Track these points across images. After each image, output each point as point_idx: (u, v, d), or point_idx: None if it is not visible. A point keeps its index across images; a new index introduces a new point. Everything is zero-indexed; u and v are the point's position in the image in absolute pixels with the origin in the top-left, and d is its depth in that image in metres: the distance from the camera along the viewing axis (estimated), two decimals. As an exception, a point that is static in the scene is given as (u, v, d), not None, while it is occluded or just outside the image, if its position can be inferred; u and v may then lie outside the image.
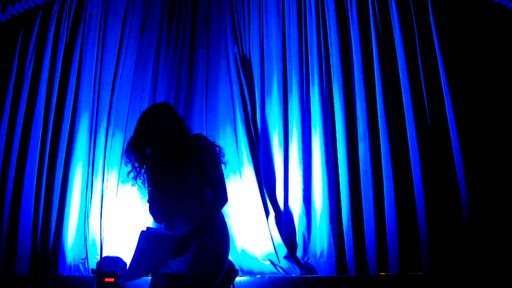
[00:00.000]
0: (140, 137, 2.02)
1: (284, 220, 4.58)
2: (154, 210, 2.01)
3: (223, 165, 2.04)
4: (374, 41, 4.77)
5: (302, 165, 4.66)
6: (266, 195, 4.62)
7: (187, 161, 1.97)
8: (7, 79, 5.39)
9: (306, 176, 4.63)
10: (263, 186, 4.66)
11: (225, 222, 2.02)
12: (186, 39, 5.35)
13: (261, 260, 4.41)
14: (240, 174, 4.74)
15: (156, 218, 2.02)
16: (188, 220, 1.93)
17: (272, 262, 4.34)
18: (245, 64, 5.21)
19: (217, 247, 1.92)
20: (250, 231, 4.50)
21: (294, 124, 4.85)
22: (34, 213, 4.90)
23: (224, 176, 2.00)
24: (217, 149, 2.03)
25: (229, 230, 2.02)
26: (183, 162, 1.97)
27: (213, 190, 1.96)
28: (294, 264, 4.30)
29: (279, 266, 4.33)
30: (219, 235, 1.94)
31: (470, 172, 4.15)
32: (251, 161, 4.70)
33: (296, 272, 4.27)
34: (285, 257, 4.34)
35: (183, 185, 1.97)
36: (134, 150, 2.03)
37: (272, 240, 4.41)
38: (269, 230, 4.42)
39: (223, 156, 2.06)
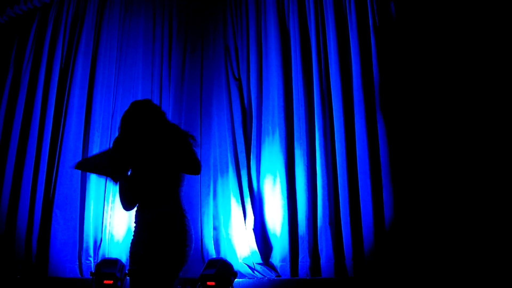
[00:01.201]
0: (124, 135, 2.12)
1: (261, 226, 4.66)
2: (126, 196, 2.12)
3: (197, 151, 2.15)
4: (373, 40, 4.80)
5: (304, 165, 4.69)
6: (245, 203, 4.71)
7: (162, 149, 2.05)
8: (3, 82, 5.38)
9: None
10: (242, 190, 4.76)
11: (187, 217, 2.08)
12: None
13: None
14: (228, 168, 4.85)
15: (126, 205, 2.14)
16: (156, 205, 2.03)
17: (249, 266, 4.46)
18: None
19: (177, 241, 1.97)
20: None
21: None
22: (28, 216, 4.88)
23: (197, 156, 2.09)
24: (190, 139, 2.14)
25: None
26: (158, 152, 2.05)
27: (186, 161, 2.04)
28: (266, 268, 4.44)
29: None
30: (180, 230, 2.00)
31: (470, 174, 4.17)
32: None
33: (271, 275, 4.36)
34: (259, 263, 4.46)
35: (157, 173, 2.06)
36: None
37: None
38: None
39: (197, 144, 2.17)
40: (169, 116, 5.04)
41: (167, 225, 1.99)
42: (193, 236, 2.05)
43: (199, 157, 2.12)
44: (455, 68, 4.49)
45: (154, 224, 2.01)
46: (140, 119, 2.11)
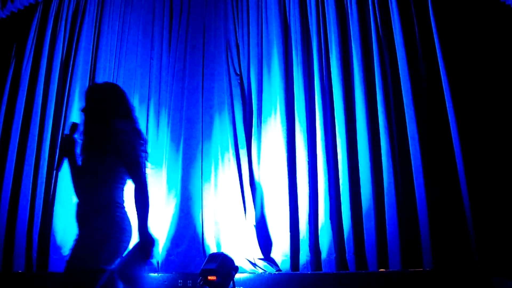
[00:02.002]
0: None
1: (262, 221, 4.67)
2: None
3: (143, 155, 2.01)
4: (374, 37, 4.81)
5: (307, 165, 4.69)
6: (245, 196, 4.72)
7: (106, 143, 1.95)
8: (4, 76, 5.37)
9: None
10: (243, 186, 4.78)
11: (123, 208, 1.96)
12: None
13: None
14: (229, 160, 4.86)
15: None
16: (90, 200, 1.93)
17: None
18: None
19: (106, 238, 1.85)
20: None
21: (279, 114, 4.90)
22: (30, 211, 4.87)
23: (143, 164, 1.97)
24: (140, 138, 2.03)
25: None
26: (102, 144, 1.96)
27: (132, 174, 1.94)
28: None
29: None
30: (111, 223, 1.89)
31: (471, 168, 4.16)
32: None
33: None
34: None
35: (97, 166, 1.95)
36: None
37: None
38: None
39: (145, 144, 2.05)
40: (171, 110, 5.12)
41: (98, 218, 1.89)
42: (127, 228, 1.92)
43: (146, 166, 1.98)
44: (458, 61, 4.51)
45: (86, 218, 1.92)
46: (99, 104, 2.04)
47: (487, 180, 4.14)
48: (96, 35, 5.49)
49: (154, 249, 1.90)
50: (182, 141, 5.00)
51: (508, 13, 4.55)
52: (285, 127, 4.81)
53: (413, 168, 4.33)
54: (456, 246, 3.99)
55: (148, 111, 5.21)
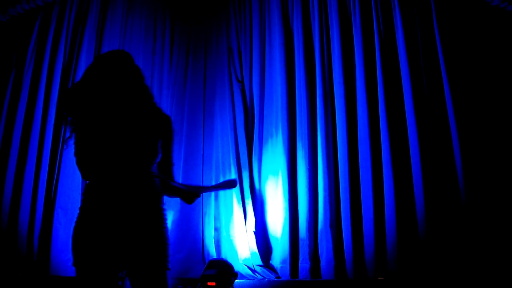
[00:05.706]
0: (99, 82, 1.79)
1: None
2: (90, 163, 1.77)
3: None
4: (377, 43, 4.82)
5: (306, 167, 4.70)
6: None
7: (152, 126, 1.85)
8: (6, 82, 5.37)
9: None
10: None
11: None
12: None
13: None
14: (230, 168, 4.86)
15: (88, 172, 1.78)
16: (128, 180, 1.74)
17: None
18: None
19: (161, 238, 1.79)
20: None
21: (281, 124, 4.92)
22: (30, 215, 4.88)
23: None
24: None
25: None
26: (146, 124, 1.83)
27: (168, 172, 1.91)
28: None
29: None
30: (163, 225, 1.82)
31: (471, 174, 4.19)
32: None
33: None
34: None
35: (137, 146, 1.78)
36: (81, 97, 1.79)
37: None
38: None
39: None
40: (171, 115, 5.14)
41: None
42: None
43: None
44: (459, 66, 4.53)
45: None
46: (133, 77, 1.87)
47: (486, 185, 4.16)
48: (98, 40, 5.47)
49: None
50: (183, 146, 5.02)
51: (509, 18, 4.57)
52: (286, 134, 4.82)
53: (413, 176, 4.35)
54: (455, 254, 4.01)
55: (149, 115, 5.22)
